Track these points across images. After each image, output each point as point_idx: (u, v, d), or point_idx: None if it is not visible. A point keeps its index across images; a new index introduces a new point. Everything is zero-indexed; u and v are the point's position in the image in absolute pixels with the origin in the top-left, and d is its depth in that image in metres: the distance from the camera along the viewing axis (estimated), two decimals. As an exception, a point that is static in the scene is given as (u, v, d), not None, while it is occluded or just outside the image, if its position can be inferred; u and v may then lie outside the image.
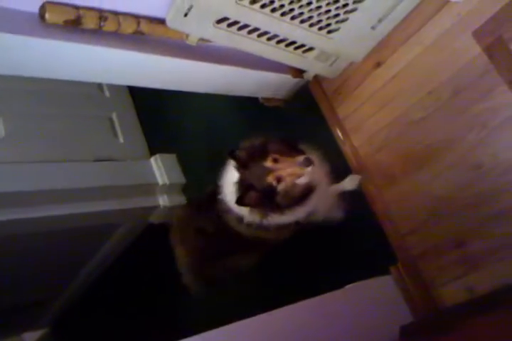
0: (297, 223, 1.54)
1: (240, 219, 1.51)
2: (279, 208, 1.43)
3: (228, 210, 1.52)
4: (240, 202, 1.37)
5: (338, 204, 1.73)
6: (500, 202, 1.46)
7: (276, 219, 1.47)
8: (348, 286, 1.59)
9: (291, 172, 1.39)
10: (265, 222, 1.47)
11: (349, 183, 1.80)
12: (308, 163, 1.37)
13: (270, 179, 1.38)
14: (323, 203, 1.59)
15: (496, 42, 1.46)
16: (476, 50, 1.51)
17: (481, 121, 1.51)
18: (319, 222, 1.61)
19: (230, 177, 1.47)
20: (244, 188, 1.40)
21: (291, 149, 1.46)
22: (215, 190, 1.56)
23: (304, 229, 1.59)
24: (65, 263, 3.00)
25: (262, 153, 1.41)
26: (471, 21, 1.52)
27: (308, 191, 1.45)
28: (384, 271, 1.71)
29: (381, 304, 1.62)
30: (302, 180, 1.41)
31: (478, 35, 1.51)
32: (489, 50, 1.48)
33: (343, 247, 1.83)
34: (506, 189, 1.45)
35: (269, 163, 1.39)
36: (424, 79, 1.66)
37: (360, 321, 1.52)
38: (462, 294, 1.53)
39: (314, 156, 1.49)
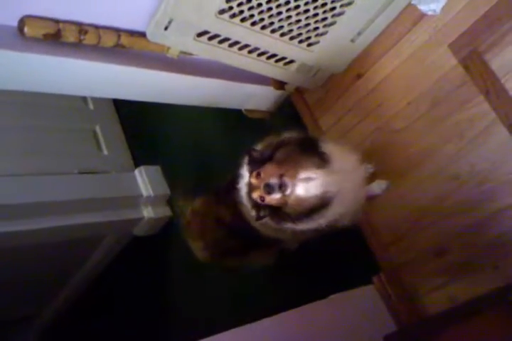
0: (318, 230, 1.37)
1: (253, 216, 1.38)
2: (290, 219, 1.30)
3: (243, 205, 1.41)
4: (258, 219, 1.31)
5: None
6: (478, 212, 1.48)
7: (290, 226, 1.34)
8: (331, 296, 1.59)
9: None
10: (280, 227, 1.35)
11: (377, 188, 1.69)
12: (270, 190, 1.22)
13: (254, 196, 1.28)
14: (350, 207, 1.41)
15: (471, 54, 1.50)
16: (453, 62, 1.54)
17: (458, 131, 1.54)
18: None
19: (246, 173, 1.36)
20: (253, 204, 1.31)
21: (306, 153, 1.30)
22: (234, 179, 1.44)
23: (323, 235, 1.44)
24: (51, 277, 2.96)
25: (267, 159, 1.28)
26: (447, 34, 1.56)
27: (322, 203, 1.27)
28: (367, 281, 1.72)
29: (364, 314, 1.62)
30: (310, 192, 1.25)
31: (454, 47, 1.54)
32: (465, 62, 1.52)
33: (326, 257, 1.83)
34: (483, 199, 1.48)
35: (252, 178, 1.28)
36: (403, 91, 1.69)
37: (343, 331, 1.52)
38: (444, 303, 1.54)
39: (341, 158, 1.33)
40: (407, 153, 1.68)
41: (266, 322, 1.38)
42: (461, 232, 1.53)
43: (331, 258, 1.83)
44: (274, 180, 1.22)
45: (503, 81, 1.43)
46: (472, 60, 1.50)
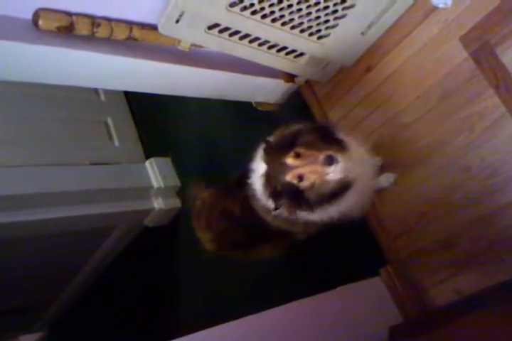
0: (329, 222, 1.38)
1: (267, 209, 1.39)
2: (309, 206, 1.30)
3: (256, 198, 1.41)
4: (277, 207, 1.31)
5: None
6: (486, 205, 1.48)
7: (305, 216, 1.34)
8: (339, 288, 1.61)
9: (313, 170, 1.24)
10: (293, 217, 1.35)
11: (384, 181, 1.69)
12: (331, 161, 1.22)
13: (290, 177, 1.26)
14: (361, 199, 1.42)
15: (482, 47, 1.49)
16: (463, 55, 1.54)
17: (468, 124, 1.54)
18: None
19: (261, 166, 1.36)
20: (273, 196, 1.31)
21: (326, 140, 1.30)
22: (245, 174, 1.44)
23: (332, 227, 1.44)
24: (61, 267, 3.01)
25: (288, 146, 1.28)
26: (458, 27, 1.55)
27: (342, 188, 1.28)
28: (374, 273, 1.73)
29: (371, 305, 1.64)
30: (333, 176, 1.25)
31: (465, 40, 1.54)
32: (476, 55, 1.51)
33: (334, 249, 1.85)
34: (493, 191, 1.48)
35: (289, 159, 1.26)
36: (413, 84, 1.68)
37: (350, 321, 1.54)
38: (450, 295, 1.55)
39: (355, 147, 1.35)
40: (416, 146, 1.68)
41: (273, 312, 1.40)
42: (468, 225, 1.53)
43: (339, 250, 1.84)
44: (331, 153, 1.23)
45: (513, 74, 1.43)
46: (483, 53, 1.49)
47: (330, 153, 1.23)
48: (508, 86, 1.44)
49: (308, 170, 1.25)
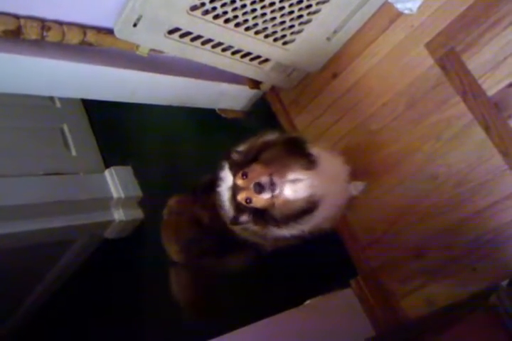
0: (300, 236, 1.32)
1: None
2: (275, 223, 1.24)
3: (224, 210, 1.35)
4: (233, 223, 1.26)
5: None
6: (456, 214, 1.47)
7: (274, 231, 1.28)
8: (307, 302, 1.56)
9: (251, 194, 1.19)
10: (263, 232, 1.30)
11: (354, 189, 1.61)
12: (260, 189, 1.16)
13: (239, 198, 1.21)
14: (333, 212, 1.38)
15: (448, 54, 1.48)
16: (429, 61, 1.53)
17: (435, 132, 1.52)
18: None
19: (229, 177, 1.30)
20: (235, 209, 1.26)
21: (292, 155, 1.25)
22: (214, 179, 1.38)
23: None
24: (15, 284, 2.86)
25: (249, 161, 1.23)
26: (424, 33, 1.54)
27: (309, 206, 1.23)
28: (344, 284, 1.69)
29: (342, 318, 1.60)
30: (297, 195, 1.20)
31: (430, 47, 1.53)
32: (442, 62, 1.50)
33: (303, 261, 1.80)
34: (461, 200, 1.47)
35: (238, 179, 1.22)
36: (380, 90, 1.66)
37: (321, 336, 1.50)
38: (422, 306, 1.53)
39: (327, 161, 1.30)
40: (383, 154, 1.66)
41: (240, 333, 1.34)
42: (438, 234, 1.52)
43: (308, 261, 1.80)
44: (264, 179, 1.17)
45: (480, 81, 1.42)
46: (449, 59, 1.48)
47: (260, 180, 1.17)
48: (474, 93, 1.43)
49: (250, 194, 1.19)
